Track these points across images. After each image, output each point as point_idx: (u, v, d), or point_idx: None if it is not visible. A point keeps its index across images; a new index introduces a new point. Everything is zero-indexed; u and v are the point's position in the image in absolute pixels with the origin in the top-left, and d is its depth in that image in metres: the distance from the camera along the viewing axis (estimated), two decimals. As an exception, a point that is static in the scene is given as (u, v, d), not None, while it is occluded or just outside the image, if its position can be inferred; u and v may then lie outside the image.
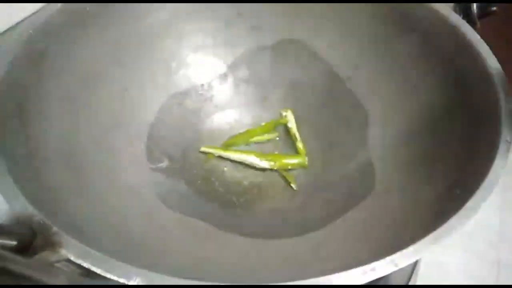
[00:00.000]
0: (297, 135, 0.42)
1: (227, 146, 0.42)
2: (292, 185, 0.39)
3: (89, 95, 0.36)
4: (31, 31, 0.32)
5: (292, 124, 0.43)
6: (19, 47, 0.31)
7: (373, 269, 0.21)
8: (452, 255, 1.16)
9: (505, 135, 0.27)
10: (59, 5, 0.34)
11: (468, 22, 0.65)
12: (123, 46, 0.39)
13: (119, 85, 0.39)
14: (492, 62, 0.31)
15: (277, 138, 0.43)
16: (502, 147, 0.27)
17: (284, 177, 0.39)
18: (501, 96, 0.29)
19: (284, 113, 0.43)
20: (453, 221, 0.23)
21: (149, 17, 0.40)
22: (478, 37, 0.34)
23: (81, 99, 0.35)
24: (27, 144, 0.29)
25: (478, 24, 0.65)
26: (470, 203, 0.24)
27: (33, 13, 0.37)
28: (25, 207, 0.23)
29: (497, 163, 0.26)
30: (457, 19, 0.35)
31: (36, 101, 0.31)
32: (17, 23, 0.40)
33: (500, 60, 0.32)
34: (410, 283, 0.39)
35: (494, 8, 0.64)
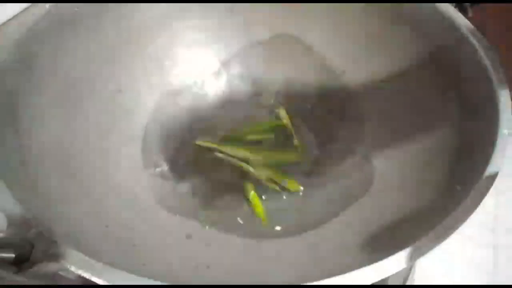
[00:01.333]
0: (293, 131, 0.42)
1: (222, 141, 0.42)
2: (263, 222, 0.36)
3: (82, 98, 0.35)
4: (19, 34, 0.32)
5: (287, 121, 0.42)
6: (8, 50, 0.31)
7: (382, 267, 0.21)
8: (448, 242, 1.18)
9: (503, 127, 0.27)
10: (47, 6, 0.33)
11: (459, 10, 0.65)
12: (115, 46, 0.38)
13: (113, 86, 0.38)
14: (487, 53, 0.31)
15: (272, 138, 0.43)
16: (500, 140, 0.27)
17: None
18: (497, 87, 0.29)
19: (276, 110, 0.43)
20: (454, 217, 0.23)
21: (140, 16, 0.40)
22: (472, 27, 0.33)
23: (74, 102, 0.34)
24: (20, 151, 0.28)
25: (470, 13, 0.65)
26: (470, 198, 0.24)
27: (19, 14, 0.37)
28: (23, 217, 0.23)
29: (496, 156, 0.26)
30: (451, 11, 0.34)
31: (28, 105, 0.31)
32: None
33: (499, 48, 0.31)
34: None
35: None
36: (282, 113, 0.43)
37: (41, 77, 0.32)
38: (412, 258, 0.22)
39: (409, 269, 0.38)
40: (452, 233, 0.23)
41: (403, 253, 0.22)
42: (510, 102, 0.29)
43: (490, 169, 0.26)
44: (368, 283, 0.21)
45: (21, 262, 0.21)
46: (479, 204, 0.24)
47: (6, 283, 0.15)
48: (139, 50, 0.41)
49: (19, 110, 0.30)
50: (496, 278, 0.95)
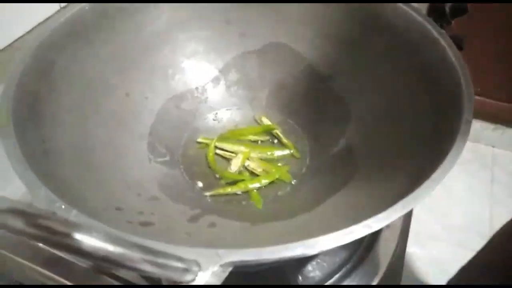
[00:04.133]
0: (279, 133, 0.46)
1: (221, 139, 0.46)
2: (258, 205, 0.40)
3: (95, 100, 0.39)
4: (38, 43, 0.36)
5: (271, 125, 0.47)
6: (29, 58, 0.35)
7: (351, 232, 0.25)
8: (445, 249, 1.19)
9: (466, 115, 0.31)
10: (61, 19, 0.38)
11: (442, 21, 0.70)
12: (123, 55, 0.43)
13: (122, 90, 0.42)
14: (454, 53, 0.35)
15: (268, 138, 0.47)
16: (463, 126, 0.30)
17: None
18: (463, 82, 0.33)
19: (260, 118, 0.48)
20: (418, 191, 0.27)
21: (147, 28, 0.44)
22: (442, 31, 0.38)
23: (89, 104, 0.38)
24: (43, 143, 0.32)
25: (452, 23, 0.70)
26: (434, 175, 0.28)
27: (39, 25, 0.41)
28: (47, 195, 0.26)
29: (460, 139, 0.29)
30: (422, 17, 0.39)
31: (48, 106, 0.35)
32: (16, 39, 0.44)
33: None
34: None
35: (465, 7, 0.68)
36: (265, 120, 0.47)
37: (58, 81, 0.36)
38: (384, 222, 0.25)
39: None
40: (417, 203, 0.26)
41: (376, 218, 0.25)
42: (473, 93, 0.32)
43: (453, 152, 0.29)
44: (348, 242, 0.25)
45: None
46: (441, 180, 0.28)
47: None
48: (146, 59, 0.45)
49: (39, 110, 0.34)
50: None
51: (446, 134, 0.31)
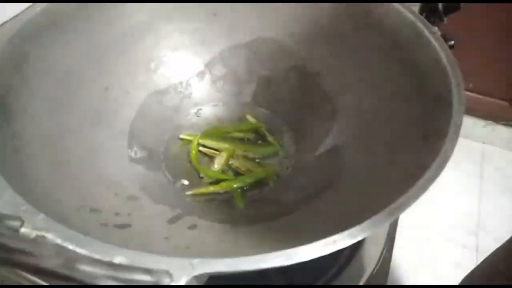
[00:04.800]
0: (267, 132, 0.45)
1: (205, 136, 0.44)
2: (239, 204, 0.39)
3: (71, 94, 0.37)
4: (11, 34, 0.34)
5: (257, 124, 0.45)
6: (1, 49, 0.33)
7: (334, 242, 0.24)
8: (433, 245, 1.20)
9: (455, 118, 0.30)
10: (39, 8, 0.36)
11: (435, 18, 0.69)
12: (103, 47, 0.41)
13: (100, 84, 0.41)
14: (446, 55, 0.34)
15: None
16: (452, 129, 0.29)
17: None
18: (453, 84, 0.32)
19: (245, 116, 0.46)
20: (406, 197, 0.26)
21: (128, 19, 0.43)
22: (434, 30, 0.36)
23: (64, 98, 0.37)
24: (13, 140, 0.30)
25: (445, 21, 0.69)
26: (421, 181, 0.26)
27: (14, 17, 0.39)
28: (12, 197, 0.25)
29: (448, 142, 0.28)
30: (414, 15, 0.37)
31: (19, 100, 0.33)
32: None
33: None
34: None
35: (458, 5, 0.67)
36: (250, 118, 0.46)
37: (31, 74, 0.35)
38: (368, 232, 0.24)
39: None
40: (403, 210, 0.25)
41: (360, 226, 0.24)
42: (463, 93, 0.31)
43: (441, 156, 0.28)
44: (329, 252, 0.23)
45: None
46: (430, 186, 0.26)
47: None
48: (126, 51, 0.43)
49: (10, 103, 0.32)
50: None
51: (435, 137, 0.30)
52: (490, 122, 1.39)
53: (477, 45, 1.12)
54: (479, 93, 1.29)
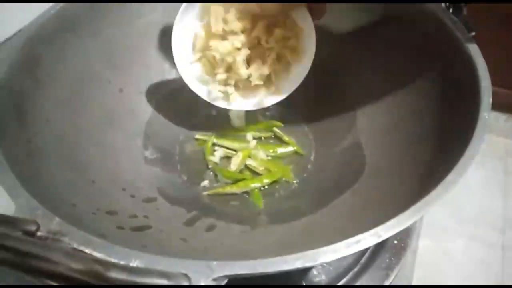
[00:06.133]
0: (282, 132, 0.44)
1: (221, 136, 0.43)
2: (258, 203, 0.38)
3: (86, 97, 0.37)
4: (25, 38, 0.34)
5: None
6: (15, 54, 0.33)
7: (357, 241, 0.23)
8: (458, 242, 1.17)
9: (483, 111, 0.28)
10: (51, 12, 0.36)
11: (454, 7, 0.66)
12: (116, 48, 0.41)
13: (115, 86, 0.40)
14: (472, 46, 0.32)
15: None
16: (480, 122, 0.28)
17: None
18: (482, 78, 0.30)
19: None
20: (432, 195, 0.24)
21: (141, 19, 0.42)
22: (457, 20, 0.35)
23: (78, 101, 0.36)
24: (28, 144, 0.30)
25: (465, 11, 0.67)
26: (449, 177, 0.25)
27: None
28: (28, 201, 0.25)
29: (476, 137, 0.27)
30: (442, 12, 0.36)
31: (34, 104, 0.33)
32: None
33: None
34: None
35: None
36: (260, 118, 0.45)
37: (45, 77, 0.35)
38: (395, 230, 0.23)
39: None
40: (430, 207, 0.24)
41: (386, 226, 0.23)
42: (491, 86, 0.30)
43: (469, 150, 0.27)
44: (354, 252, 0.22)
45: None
46: (458, 182, 0.25)
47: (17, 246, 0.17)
48: (140, 53, 0.43)
49: (25, 108, 0.32)
50: (504, 279, 0.95)
51: (461, 132, 0.29)
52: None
53: (498, 37, 1.09)
54: (499, 86, 1.25)
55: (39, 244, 0.18)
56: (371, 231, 0.23)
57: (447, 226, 1.16)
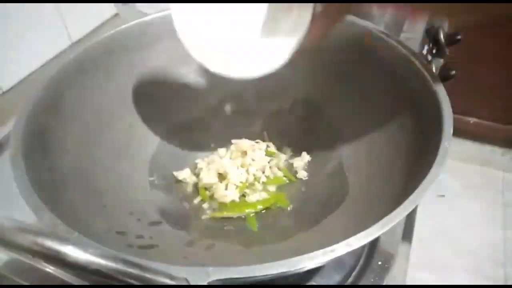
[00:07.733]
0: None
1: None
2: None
3: (100, 131, 0.42)
4: (49, 78, 0.39)
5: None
6: (40, 92, 0.38)
7: (332, 250, 0.27)
8: (458, 276, 1.16)
9: (444, 141, 0.33)
10: (71, 56, 0.41)
11: (437, 49, 0.72)
12: (128, 88, 0.46)
13: (125, 122, 0.45)
14: (437, 84, 0.37)
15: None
16: (441, 151, 0.32)
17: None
18: (445, 112, 0.35)
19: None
20: (398, 211, 0.28)
21: (149, 63, 0.48)
22: (425, 62, 0.40)
23: (94, 134, 0.41)
24: (50, 171, 0.35)
25: (447, 52, 0.72)
26: (411, 197, 0.29)
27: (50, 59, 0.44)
28: (51, 219, 0.29)
29: (438, 161, 0.31)
30: (408, 50, 0.41)
31: (55, 137, 0.38)
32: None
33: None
34: None
35: (459, 37, 0.71)
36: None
37: (67, 112, 0.40)
38: (363, 241, 0.27)
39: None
40: (395, 221, 0.28)
41: (356, 237, 0.27)
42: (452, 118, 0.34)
43: (431, 173, 0.31)
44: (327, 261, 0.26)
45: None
46: (419, 201, 0.29)
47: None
48: (149, 92, 0.48)
49: (47, 140, 0.37)
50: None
51: (428, 159, 0.33)
52: (508, 150, 1.38)
53: (492, 73, 1.14)
54: (495, 121, 1.29)
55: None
56: (344, 242, 0.27)
57: (447, 259, 1.17)
